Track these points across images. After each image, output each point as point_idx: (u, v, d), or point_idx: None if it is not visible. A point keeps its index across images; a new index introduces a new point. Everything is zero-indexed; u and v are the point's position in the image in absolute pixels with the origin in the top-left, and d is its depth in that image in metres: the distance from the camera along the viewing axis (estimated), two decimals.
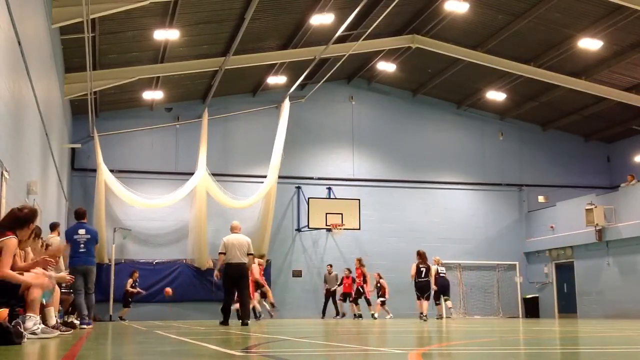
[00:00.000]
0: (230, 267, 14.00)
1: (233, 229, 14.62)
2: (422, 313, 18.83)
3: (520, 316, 26.73)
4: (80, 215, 12.61)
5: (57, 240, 12.54)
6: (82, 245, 12.04)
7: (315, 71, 23.55)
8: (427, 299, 18.92)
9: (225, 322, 13.98)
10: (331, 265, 24.15)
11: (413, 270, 18.78)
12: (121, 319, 21.62)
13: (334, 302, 23.46)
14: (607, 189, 27.04)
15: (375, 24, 19.24)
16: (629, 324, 14.75)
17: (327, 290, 23.61)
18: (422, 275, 18.66)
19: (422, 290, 18.72)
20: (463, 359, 5.40)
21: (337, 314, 23.33)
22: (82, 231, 12.23)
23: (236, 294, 14.67)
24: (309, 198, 24.93)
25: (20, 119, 10.17)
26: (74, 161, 24.04)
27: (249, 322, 13.77)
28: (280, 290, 24.26)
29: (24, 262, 7.83)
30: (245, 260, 14.05)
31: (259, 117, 25.59)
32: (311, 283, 24.60)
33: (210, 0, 17.99)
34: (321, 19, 19.07)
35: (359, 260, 22.27)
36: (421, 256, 18.85)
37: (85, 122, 22.27)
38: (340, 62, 21.96)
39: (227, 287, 14.32)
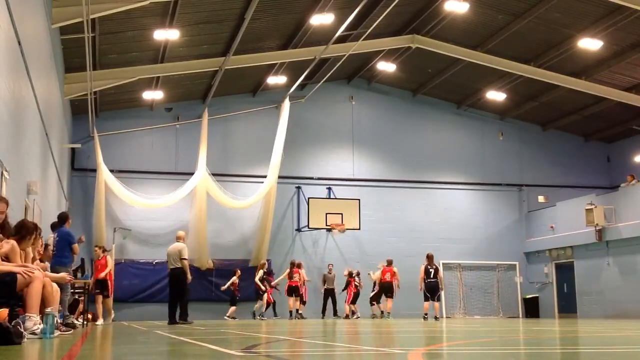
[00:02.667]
0: (169, 272, 16.08)
1: (176, 239, 16.48)
2: (426, 314, 19.51)
3: (520, 316, 26.72)
4: (54, 226, 13.12)
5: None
6: (53, 249, 12.37)
7: (315, 71, 23.55)
8: (437, 300, 19.36)
9: (172, 322, 15.59)
10: (332, 265, 24.22)
11: (422, 273, 19.35)
12: (231, 317, 21.75)
13: (334, 302, 23.58)
14: (607, 189, 27.02)
15: (375, 24, 19.24)
16: (629, 324, 14.75)
17: (326, 290, 23.70)
18: (431, 276, 19.21)
19: (431, 290, 19.22)
20: (463, 359, 5.40)
21: (335, 313, 23.57)
22: (53, 235, 12.57)
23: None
24: (309, 198, 24.93)
25: (20, 119, 10.17)
26: (74, 161, 24.03)
27: (182, 322, 15.53)
28: (280, 290, 24.23)
29: (24, 262, 7.83)
30: (178, 265, 15.79)
31: (259, 117, 25.59)
32: (311, 283, 24.52)
33: (210, 0, 17.98)
34: (321, 19, 19.06)
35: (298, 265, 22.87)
36: (429, 258, 19.62)
37: (85, 122, 22.27)
38: (340, 62, 21.96)
39: (169, 289, 16.32)
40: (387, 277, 21.86)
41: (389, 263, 22.07)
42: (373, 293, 22.95)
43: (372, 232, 25.64)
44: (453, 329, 12.64)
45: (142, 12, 17.12)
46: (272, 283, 22.83)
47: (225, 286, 22.31)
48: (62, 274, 9.20)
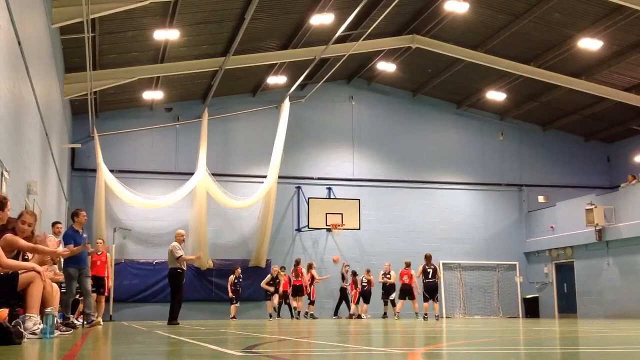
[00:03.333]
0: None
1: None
2: (425, 314, 19.32)
3: (520, 316, 26.73)
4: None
5: (52, 239, 12.52)
6: None
7: (315, 71, 23.55)
8: (436, 300, 19.26)
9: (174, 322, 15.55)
10: (348, 265, 24.36)
11: (418, 272, 19.26)
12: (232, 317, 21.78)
13: (341, 301, 23.77)
14: (607, 189, 27.03)
15: (375, 24, 19.24)
16: (629, 324, 14.75)
17: (342, 289, 23.88)
18: (429, 277, 19.05)
19: (429, 291, 19.13)
20: (463, 359, 5.40)
21: (336, 312, 23.63)
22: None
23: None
24: (309, 198, 24.93)
25: (20, 119, 10.17)
26: (74, 161, 24.04)
27: (171, 322, 15.30)
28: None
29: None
30: (171, 265, 15.70)
31: (259, 117, 25.59)
32: (319, 283, 24.44)
33: (210, 0, 17.99)
34: (321, 19, 19.06)
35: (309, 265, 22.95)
36: (427, 258, 19.50)
37: (85, 122, 22.27)
38: (340, 62, 21.95)
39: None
40: (405, 279, 21.00)
41: (407, 265, 21.21)
42: (395, 294, 22.30)
43: (372, 232, 25.64)
44: (453, 329, 12.64)
45: (142, 12, 17.12)
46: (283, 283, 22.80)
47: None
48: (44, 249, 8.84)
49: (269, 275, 22.32)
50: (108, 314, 22.18)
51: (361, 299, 23.29)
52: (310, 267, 22.81)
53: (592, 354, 5.67)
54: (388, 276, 22.89)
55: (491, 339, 8.55)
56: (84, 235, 12.53)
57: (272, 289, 22.06)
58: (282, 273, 22.39)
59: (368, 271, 23.41)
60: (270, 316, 21.86)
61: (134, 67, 20.68)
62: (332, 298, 24.42)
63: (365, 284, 23.19)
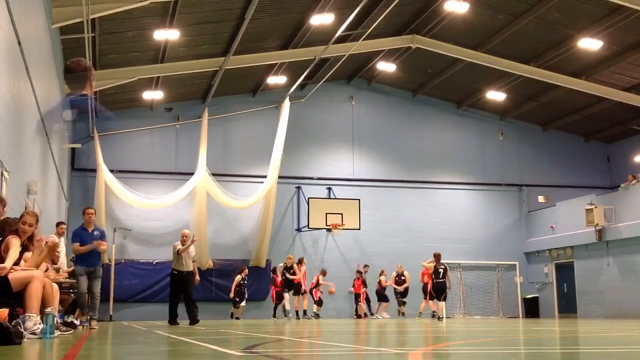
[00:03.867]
0: None
1: None
2: (434, 312, 19.37)
3: (520, 316, 26.72)
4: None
5: (52, 239, 12.52)
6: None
7: (315, 71, 23.55)
8: (444, 299, 19.20)
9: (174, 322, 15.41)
10: (368, 266, 24.29)
11: (430, 270, 19.33)
12: (235, 317, 21.52)
13: (368, 302, 23.76)
14: (607, 189, 27.03)
15: (375, 24, 19.24)
16: (629, 324, 14.75)
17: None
18: (440, 276, 18.98)
19: (438, 291, 19.06)
20: (463, 359, 5.40)
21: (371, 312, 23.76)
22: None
23: None
24: (309, 198, 24.93)
25: (20, 119, 10.17)
26: (74, 161, 24.03)
27: (172, 322, 15.23)
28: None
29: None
30: (172, 265, 15.74)
31: (259, 117, 25.59)
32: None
33: (210, 0, 17.99)
34: (321, 19, 19.07)
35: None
36: (437, 257, 19.30)
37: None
38: (340, 62, 21.95)
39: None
40: (426, 278, 20.81)
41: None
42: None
43: (372, 232, 25.64)
44: (453, 329, 12.64)
45: (142, 12, 17.12)
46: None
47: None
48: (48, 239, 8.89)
49: (282, 265, 21.59)
50: (108, 314, 22.21)
51: (368, 299, 23.38)
52: (323, 273, 22.75)
53: (592, 354, 5.67)
54: (402, 277, 22.93)
55: (491, 339, 8.55)
56: (96, 233, 12.42)
57: (295, 278, 21.21)
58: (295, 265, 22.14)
59: (382, 272, 23.41)
60: (286, 314, 21.42)
61: (134, 67, 20.68)
62: (333, 299, 24.35)
63: (377, 285, 23.27)
